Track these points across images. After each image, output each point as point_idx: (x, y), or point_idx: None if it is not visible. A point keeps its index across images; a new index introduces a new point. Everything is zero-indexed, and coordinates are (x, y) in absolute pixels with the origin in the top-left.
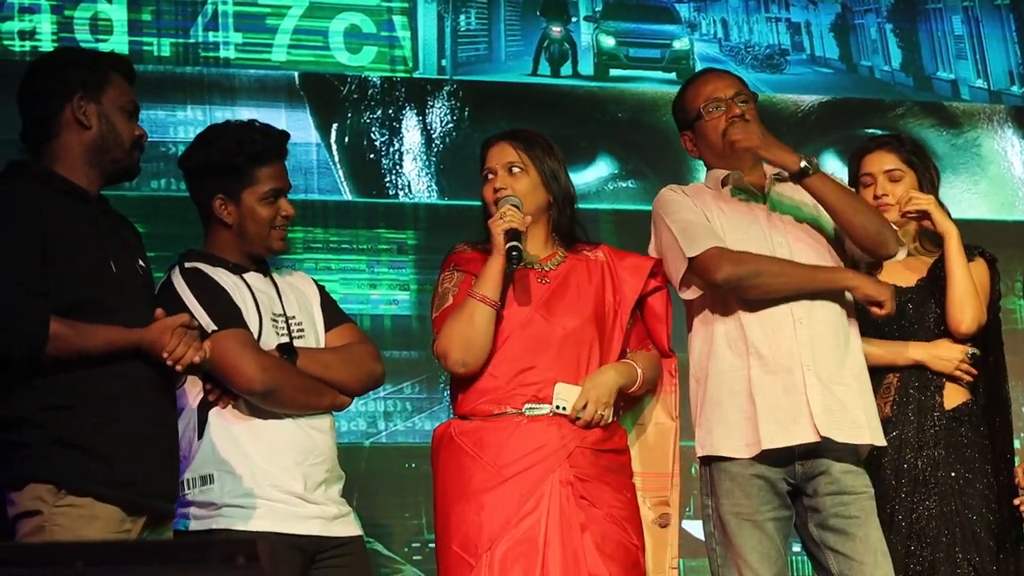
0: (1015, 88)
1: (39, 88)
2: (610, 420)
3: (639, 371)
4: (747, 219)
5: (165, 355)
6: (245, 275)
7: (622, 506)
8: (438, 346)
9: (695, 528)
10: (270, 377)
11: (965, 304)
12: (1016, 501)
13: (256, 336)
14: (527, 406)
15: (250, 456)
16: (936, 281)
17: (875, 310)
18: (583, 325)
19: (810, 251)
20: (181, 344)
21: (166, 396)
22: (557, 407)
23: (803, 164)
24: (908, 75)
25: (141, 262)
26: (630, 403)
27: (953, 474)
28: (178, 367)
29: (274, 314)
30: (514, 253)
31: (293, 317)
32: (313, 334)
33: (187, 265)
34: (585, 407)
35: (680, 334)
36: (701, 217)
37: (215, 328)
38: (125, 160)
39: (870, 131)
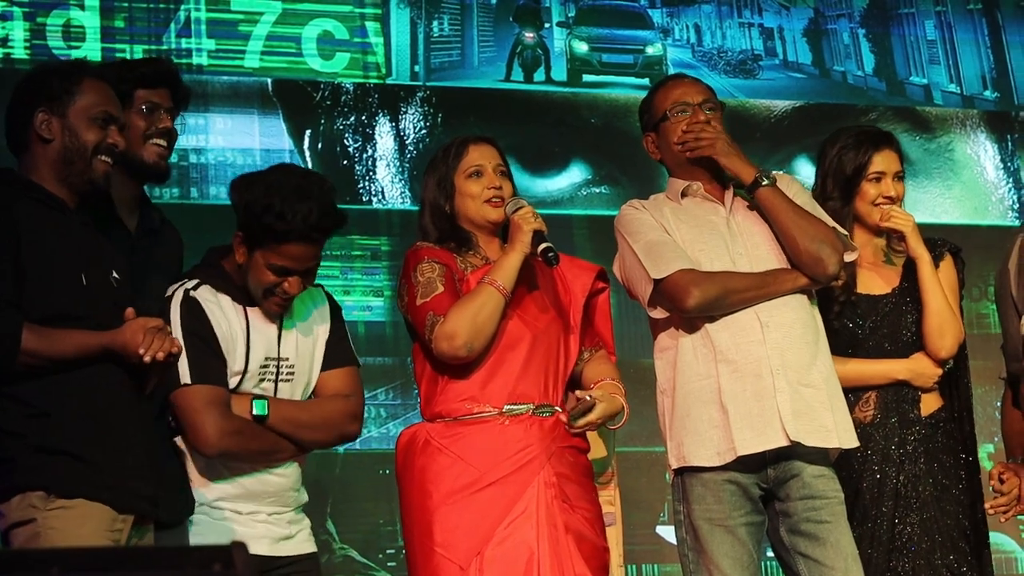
0: (987, 93)
1: (14, 100)
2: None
3: (624, 410)
4: (707, 230)
5: (141, 351)
6: (249, 309)
7: (592, 507)
8: (445, 328)
9: (668, 534)
10: (226, 444)
11: (944, 331)
12: (987, 505)
13: (240, 376)
14: (507, 406)
15: (205, 490)
16: (910, 291)
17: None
18: (551, 323)
19: (771, 256)
20: (155, 340)
21: (140, 398)
22: (572, 420)
23: (757, 176)
24: (881, 80)
25: (115, 274)
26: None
27: (932, 482)
28: (147, 358)
29: (266, 357)
30: (551, 254)
31: (286, 359)
32: (305, 376)
33: (191, 293)
34: (591, 410)
35: (637, 340)
36: (663, 235)
37: (188, 381)
38: (87, 170)
39: None
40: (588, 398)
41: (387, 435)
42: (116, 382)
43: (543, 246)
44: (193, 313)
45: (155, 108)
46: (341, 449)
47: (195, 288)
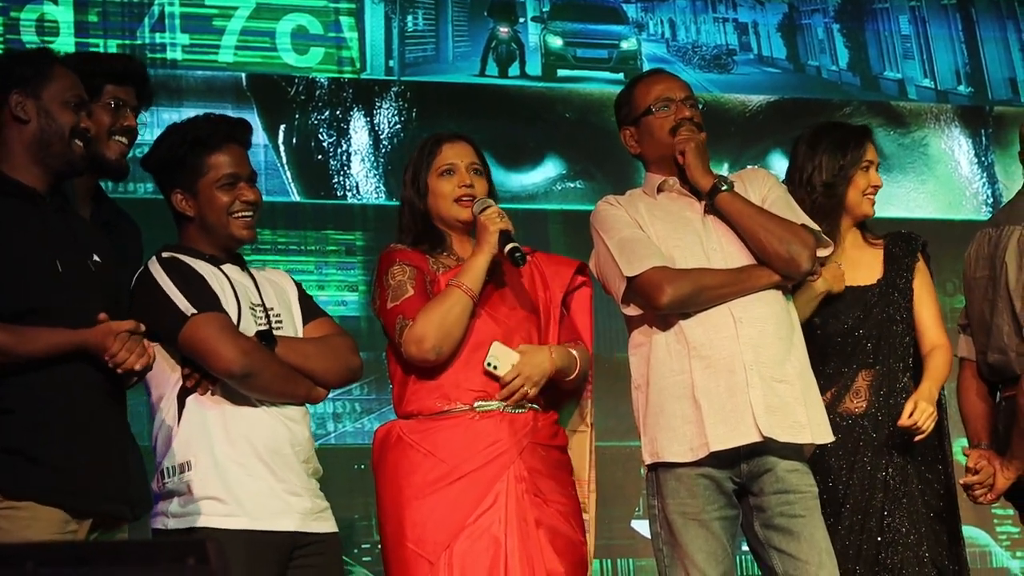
0: (961, 88)
1: None
2: (531, 395)
3: (576, 360)
4: (681, 226)
5: (107, 359)
6: (223, 266)
7: (568, 502)
8: (414, 331)
9: (644, 528)
10: (250, 360)
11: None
12: (961, 481)
13: (235, 323)
14: (477, 403)
15: (225, 446)
16: (895, 281)
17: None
18: (524, 321)
19: (745, 252)
20: (124, 350)
21: (114, 398)
22: (488, 364)
23: (715, 182)
24: (855, 75)
25: (96, 257)
26: (558, 402)
27: (916, 475)
28: (119, 371)
29: (252, 303)
30: (517, 254)
31: (272, 308)
32: (291, 326)
33: (164, 255)
34: (515, 379)
35: (612, 335)
36: (637, 232)
37: (193, 312)
38: (65, 151)
39: None
40: (491, 365)
41: (362, 430)
42: (89, 380)
43: (510, 246)
44: (175, 265)
45: (122, 105)
46: (316, 443)
47: (166, 254)
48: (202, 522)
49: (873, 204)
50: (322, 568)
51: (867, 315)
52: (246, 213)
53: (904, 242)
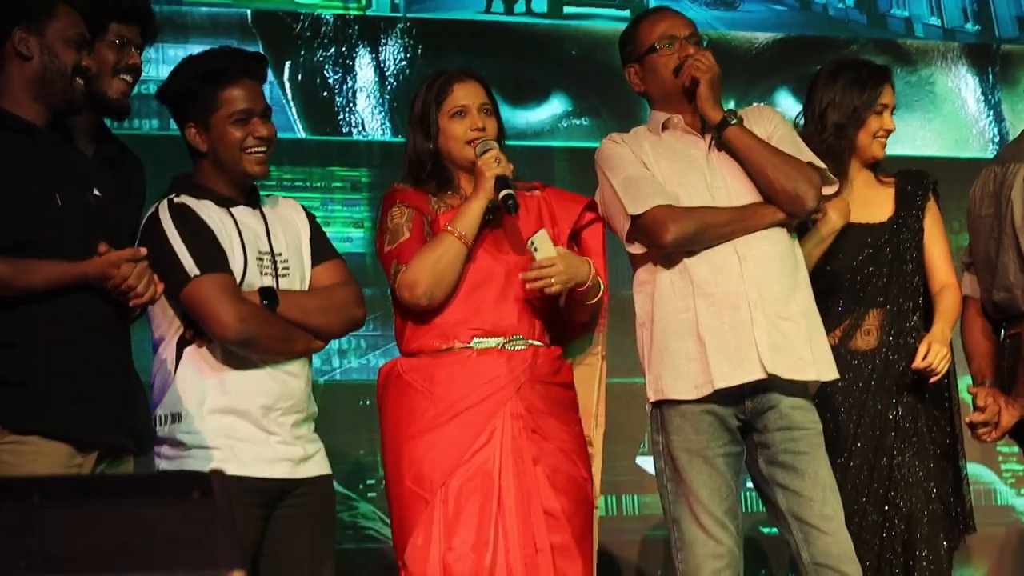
0: (968, 26)
1: None
2: (553, 290)
3: (599, 283)
4: (686, 164)
5: (111, 288)
6: (233, 209)
7: (571, 439)
8: (406, 276)
9: (649, 464)
10: (246, 327)
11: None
12: (967, 419)
13: (240, 275)
14: (475, 340)
15: (219, 399)
16: (906, 220)
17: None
18: (526, 260)
19: (750, 190)
20: (133, 276)
21: (117, 331)
22: (530, 243)
23: (725, 116)
24: (862, 12)
25: (96, 192)
26: (566, 338)
27: (925, 414)
28: (126, 301)
29: (260, 252)
30: (510, 202)
31: (280, 254)
32: (299, 271)
33: (175, 200)
34: (549, 267)
35: (617, 272)
36: (641, 170)
37: (197, 272)
38: (67, 89)
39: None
40: (532, 246)
41: (368, 366)
42: (92, 313)
43: (503, 193)
44: (183, 215)
45: (127, 43)
46: (321, 379)
47: (176, 197)
48: (190, 466)
49: (884, 147)
50: (313, 508)
51: (877, 253)
52: (259, 148)
53: (915, 181)
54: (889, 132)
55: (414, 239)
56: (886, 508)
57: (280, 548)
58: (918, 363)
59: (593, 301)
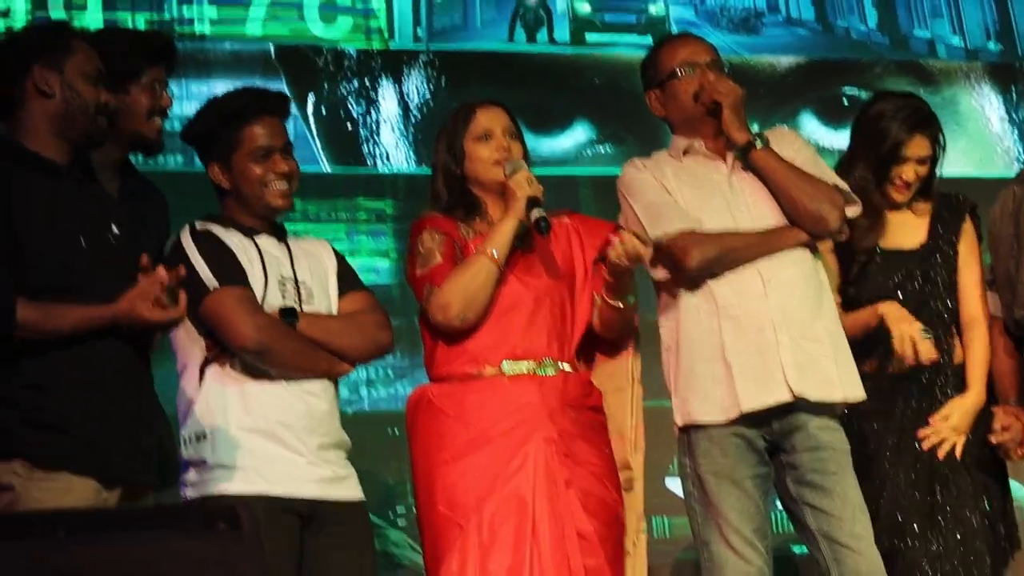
0: (991, 45)
1: (3, 57)
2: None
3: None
4: (708, 188)
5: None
6: (257, 237)
7: (602, 463)
8: (440, 298)
9: (677, 486)
10: (265, 336)
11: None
12: (992, 438)
13: (260, 297)
14: (506, 364)
15: (242, 416)
16: (939, 245)
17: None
18: (555, 285)
19: (773, 213)
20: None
21: (139, 368)
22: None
23: (751, 139)
24: (884, 34)
25: (115, 229)
26: (590, 361)
27: (971, 436)
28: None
29: (282, 277)
30: (543, 224)
31: (303, 282)
32: (324, 300)
33: (198, 227)
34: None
35: (644, 297)
36: (663, 195)
37: (216, 284)
38: (90, 126)
39: (849, 90)
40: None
41: (395, 395)
42: (114, 352)
43: (536, 214)
44: (206, 238)
45: (160, 84)
46: (349, 410)
47: (199, 225)
48: (217, 489)
49: (903, 192)
50: (350, 536)
51: (908, 279)
52: (280, 183)
53: (951, 205)
54: (907, 183)
55: (446, 263)
56: (935, 525)
57: None
58: (927, 431)
59: (623, 310)
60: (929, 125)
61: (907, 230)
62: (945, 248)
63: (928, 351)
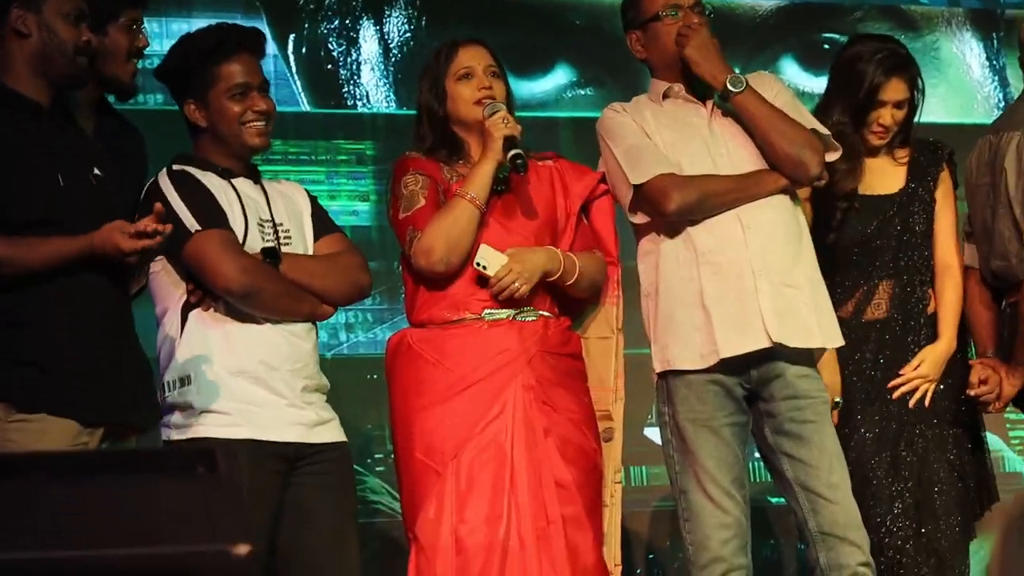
0: None
1: None
2: (524, 294)
3: (575, 263)
4: (688, 132)
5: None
6: (234, 180)
7: (580, 410)
8: (423, 243)
9: (655, 435)
10: (250, 279)
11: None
12: (970, 392)
13: (241, 239)
14: (486, 311)
15: (227, 359)
16: (916, 191)
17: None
18: (538, 230)
19: (753, 157)
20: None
21: (122, 306)
22: (477, 264)
23: (727, 85)
24: None
25: (97, 171)
26: (573, 310)
27: (941, 390)
28: (137, 245)
29: (261, 219)
30: (519, 161)
31: (281, 224)
32: (301, 242)
33: (175, 168)
34: (505, 276)
35: (626, 243)
36: (643, 139)
37: (198, 228)
38: (69, 67)
39: (829, 35)
40: (480, 265)
41: (375, 340)
42: (96, 290)
43: (512, 152)
44: (184, 180)
45: (137, 25)
46: (328, 354)
47: (177, 165)
48: (203, 432)
49: (883, 137)
50: (332, 475)
51: (886, 225)
52: (258, 122)
53: (930, 152)
54: (885, 128)
55: (429, 206)
56: (899, 478)
57: (300, 522)
58: (898, 381)
59: (574, 282)
60: (906, 68)
61: (885, 176)
62: (923, 194)
63: None
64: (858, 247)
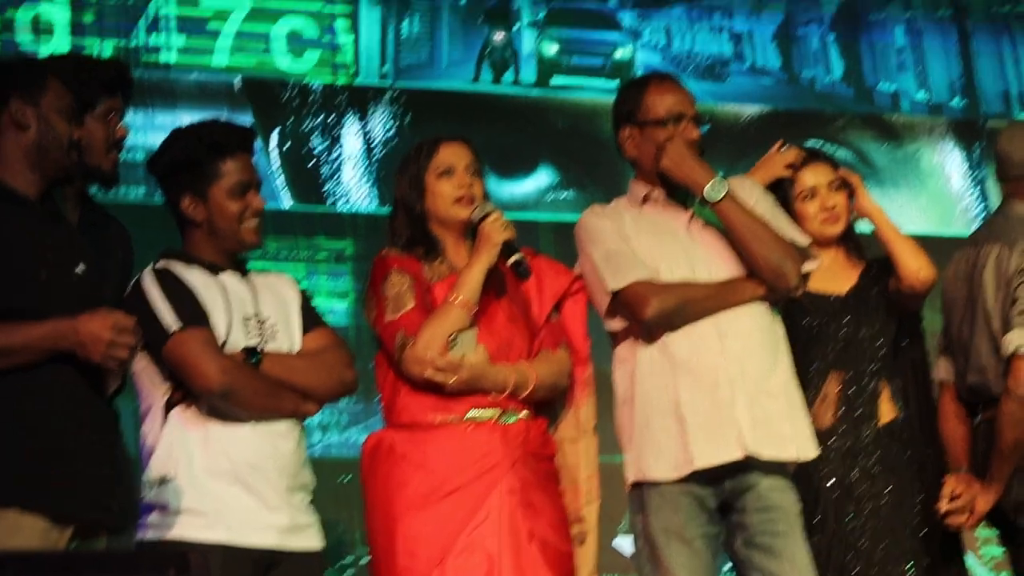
0: (955, 101)
1: None
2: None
3: (527, 378)
4: (667, 237)
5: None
6: (221, 274)
7: (557, 514)
8: (417, 351)
9: (626, 545)
10: (229, 379)
11: (917, 252)
12: (941, 506)
13: (224, 336)
14: (471, 412)
15: (206, 459)
16: (869, 289)
17: None
18: (518, 331)
19: (731, 264)
20: (118, 343)
21: (100, 404)
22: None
23: (707, 192)
24: (849, 86)
25: (82, 266)
26: (546, 408)
27: (886, 490)
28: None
29: (246, 315)
30: (521, 268)
31: (267, 319)
32: (287, 337)
33: (159, 266)
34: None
35: (602, 347)
36: (622, 244)
37: (177, 327)
38: (64, 160)
39: (811, 143)
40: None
41: (348, 442)
42: (73, 386)
43: (514, 259)
44: (167, 278)
45: (115, 115)
46: None
47: (161, 263)
48: (177, 534)
49: (835, 222)
50: None
51: (832, 325)
52: (254, 221)
53: (884, 267)
54: (830, 209)
55: (418, 310)
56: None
57: None
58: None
59: (528, 395)
60: (816, 155)
61: (838, 280)
62: (872, 295)
63: None
64: (804, 345)
